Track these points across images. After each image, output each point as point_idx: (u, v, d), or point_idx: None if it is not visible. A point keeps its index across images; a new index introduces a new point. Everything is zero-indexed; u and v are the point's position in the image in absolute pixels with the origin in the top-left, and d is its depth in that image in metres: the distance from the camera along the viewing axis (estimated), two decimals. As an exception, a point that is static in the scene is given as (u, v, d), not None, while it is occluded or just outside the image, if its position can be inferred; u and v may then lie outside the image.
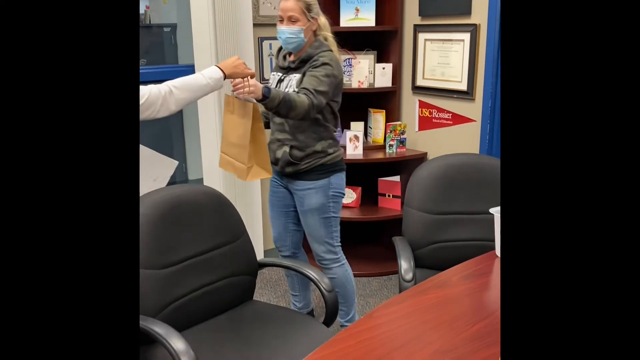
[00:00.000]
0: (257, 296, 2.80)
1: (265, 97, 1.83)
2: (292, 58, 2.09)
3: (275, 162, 2.14)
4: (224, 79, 1.83)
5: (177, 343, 1.34)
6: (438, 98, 2.93)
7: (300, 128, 2.06)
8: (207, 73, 1.79)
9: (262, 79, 2.96)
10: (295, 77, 2.04)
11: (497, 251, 1.69)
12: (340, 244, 2.24)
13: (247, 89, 1.80)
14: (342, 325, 2.35)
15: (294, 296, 2.47)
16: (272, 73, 2.20)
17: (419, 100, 3.03)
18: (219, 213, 1.77)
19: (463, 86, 2.77)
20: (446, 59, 2.83)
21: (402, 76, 3.11)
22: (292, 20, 1.97)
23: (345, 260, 2.27)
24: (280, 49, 2.17)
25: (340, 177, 2.15)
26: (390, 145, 3.00)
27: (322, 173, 2.10)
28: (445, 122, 2.92)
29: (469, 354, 1.14)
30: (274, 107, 1.86)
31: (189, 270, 1.66)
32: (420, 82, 2.99)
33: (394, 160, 2.96)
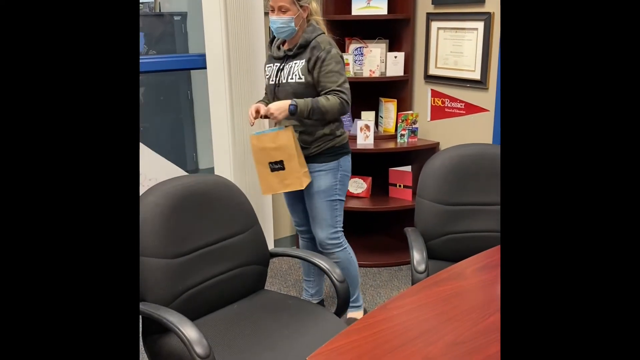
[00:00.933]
0: (267, 286, 2.80)
1: (293, 114, 2.00)
2: (286, 47, 2.14)
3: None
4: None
5: (190, 332, 1.34)
6: (451, 87, 2.90)
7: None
8: None
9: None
10: (296, 63, 2.07)
11: (512, 243, 1.67)
12: (342, 229, 2.27)
13: (277, 115, 2.00)
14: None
15: (307, 282, 2.49)
16: (267, 65, 2.21)
17: (431, 89, 3.00)
18: (231, 203, 1.77)
19: (476, 75, 2.73)
20: (459, 47, 2.79)
21: (414, 65, 3.07)
22: (282, 10, 2.03)
23: (347, 244, 2.30)
24: (272, 40, 2.21)
25: (348, 159, 2.21)
26: (402, 135, 2.97)
27: (331, 155, 2.15)
28: (458, 111, 2.89)
29: (483, 346, 1.13)
30: (305, 117, 2.03)
31: (201, 259, 1.66)
32: (432, 71, 2.96)
33: (405, 150, 2.94)
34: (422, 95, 3.07)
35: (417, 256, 1.83)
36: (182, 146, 4.47)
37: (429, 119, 3.05)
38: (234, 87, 2.69)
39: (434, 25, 2.89)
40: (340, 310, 1.74)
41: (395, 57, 2.99)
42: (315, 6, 2.13)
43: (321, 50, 2.02)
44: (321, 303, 2.54)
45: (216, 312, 1.69)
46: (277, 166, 2.09)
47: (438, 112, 3.00)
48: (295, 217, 2.39)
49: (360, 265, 2.73)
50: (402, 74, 3.03)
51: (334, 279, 1.72)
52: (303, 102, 2.00)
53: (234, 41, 2.63)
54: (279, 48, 2.16)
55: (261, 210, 2.96)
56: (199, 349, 1.31)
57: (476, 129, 2.81)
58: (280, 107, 2.01)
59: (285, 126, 2.06)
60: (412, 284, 1.49)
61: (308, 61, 2.04)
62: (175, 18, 4.32)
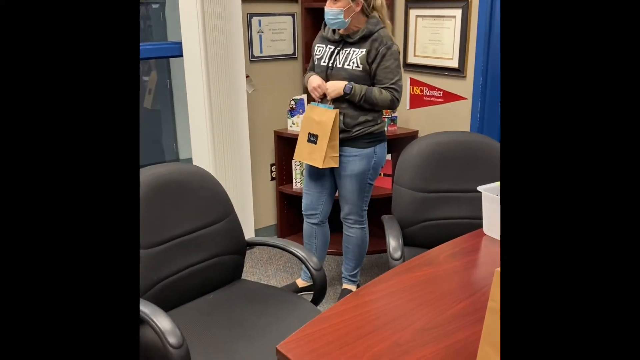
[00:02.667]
0: (247, 275, 2.80)
1: (347, 94, 2.16)
2: (342, 32, 2.21)
3: None
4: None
5: (163, 322, 1.34)
6: (429, 75, 2.90)
7: (359, 104, 2.20)
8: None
9: (252, 57, 2.91)
10: (355, 51, 2.17)
11: (485, 229, 1.69)
12: (367, 208, 2.40)
13: (330, 92, 2.17)
14: (343, 277, 2.53)
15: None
16: (318, 45, 2.29)
17: (410, 77, 3.00)
18: (206, 192, 1.76)
19: (454, 63, 2.74)
20: (438, 35, 2.79)
21: (393, 53, 3.06)
22: (334, 0, 2.12)
23: (367, 224, 2.44)
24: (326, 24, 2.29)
25: (384, 147, 2.32)
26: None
27: (369, 142, 2.25)
28: (436, 100, 2.90)
29: (453, 331, 1.15)
30: (356, 101, 2.17)
31: (176, 249, 1.65)
32: (411, 59, 2.96)
33: (385, 138, 2.94)
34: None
35: (393, 243, 1.84)
36: (160, 136, 4.42)
37: (408, 107, 3.05)
38: (211, 75, 2.66)
39: (413, 13, 2.89)
40: (318, 299, 1.74)
41: (374, 45, 2.98)
42: (379, 2, 2.20)
43: (383, 45, 2.12)
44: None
45: (192, 302, 1.68)
46: (312, 139, 2.25)
47: (417, 101, 3.00)
48: (307, 199, 2.45)
49: (341, 254, 2.74)
50: (381, 62, 3.02)
51: (310, 267, 1.72)
52: (359, 87, 2.15)
53: (210, 28, 2.60)
54: (334, 32, 2.23)
55: (241, 200, 2.94)
56: (172, 339, 1.31)
57: (454, 117, 2.82)
58: (336, 87, 2.17)
59: (334, 108, 2.19)
60: (388, 270, 1.50)
61: (368, 52, 2.13)
62: (154, 6, 4.25)
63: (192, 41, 2.62)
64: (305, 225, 2.50)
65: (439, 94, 2.87)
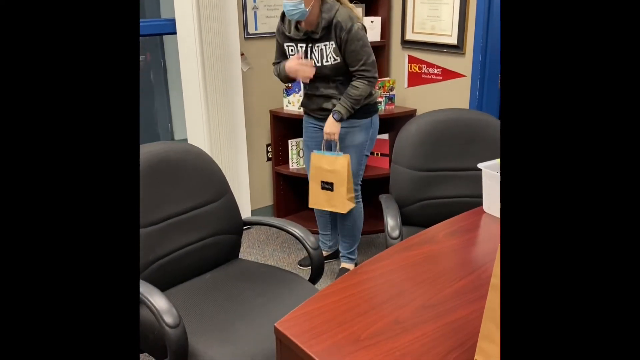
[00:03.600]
0: (244, 256, 2.79)
1: (341, 120, 2.20)
2: (304, 26, 2.17)
3: (319, 109, 2.29)
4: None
5: (160, 301, 1.32)
6: (428, 53, 2.86)
7: (347, 83, 2.20)
8: None
9: (246, 34, 2.86)
10: (326, 45, 2.14)
11: (485, 207, 1.67)
12: (361, 183, 2.44)
13: (335, 133, 2.21)
14: (341, 256, 2.57)
15: (324, 235, 2.65)
16: (288, 45, 2.25)
17: (408, 55, 2.96)
18: (202, 171, 1.73)
19: (453, 40, 2.69)
20: (436, 12, 2.74)
21: (391, 30, 3.01)
22: None
23: (361, 199, 2.48)
24: (283, 15, 2.23)
25: (377, 117, 2.35)
26: (379, 102, 2.94)
27: (366, 113, 2.27)
28: (435, 77, 2.86)
29: (453, 308, 1.13)
30: (351, 113, 2.20)
31: (172, 229, 1.63)
32: (409, 36, 2.91)
33: (383, 117, 2.91)
34: (399, 61, 3.03)
35: (391, 222, 1.82)
36: (153, 116, 4.37)
37: (406, 85, 3.01)
38: (205, 53, 2.61)
39: (411, -12, 2.83)
40: (315, 277, 1.73)
41: (372, 21, 2.93)
42: None
43: (343, 31, 2.09)
44: (336, 253, 2.72)
45: (188, 281, 1.67)
46: (328, 186, 2.30)
47: (415, 79, 2.96)
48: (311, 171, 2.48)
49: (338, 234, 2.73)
50: (379, 39, 2.97)
51: (307, 246, 1.71)
52: (342, 107, 2.18)
53: (204, 4, 2.54)
54: (297, 28, 2.20)
55: (237, 180, 2.92)
56: (169, 319, 1.29)
57: (453, 95, 2.79)
58: (332, 128, 2.21)
59: (342, 154, 2.25)
60: (387, 249, 1.48)
61: (337, 43, 2.12)
62: (146, -17, 4.16)
63: (185, 18, 2.56)
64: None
65: (438, 71, 2.83)
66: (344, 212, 2.29)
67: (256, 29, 2.90)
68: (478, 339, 0.89)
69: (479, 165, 1.64)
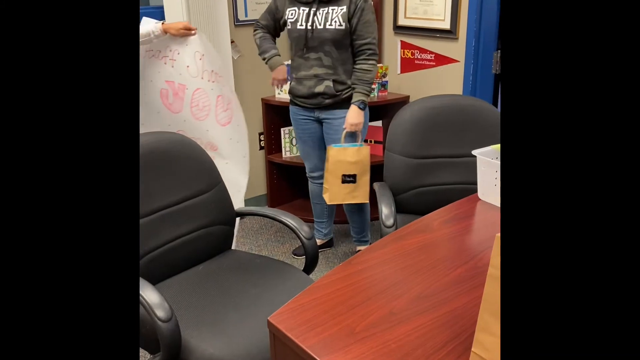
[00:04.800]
0: (238, 246, 2.77)
1: (365, 107, 2.19)
2: None
3: (311, 96, 2.25)
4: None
5: (151, 295, 1.30)
6: (420, 38, 2.82)
7: (341, 60, 2.18)
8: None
9: (236, 21, 2.81)
10: (334, 9, 2.11)
11: (480, 194, 1.65)
12: None
13: (358, 125, 2.19)
14: (354, 240, 2.59)
15: (320, 223, 2.64)
16: (290, 9, 2.19)
17: (400, 40, 2.92)
18: (193, 162, 1.70)
19: (446, 25, 2.65)
20: (429, -4, 2.70)
21: (383, 15, 2.97)
22: None
23: None
24: None
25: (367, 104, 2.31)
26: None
27: None
28: (428, 63, 2.83)
29: (450, 298, 1.12)
30: (370, 96, 2.21)
31: (163, 221, 1.60)
32: (402, 21, 2.87)
33: (376, 104, 2.88)
34: (392, 47, 2.99)
35: (386, 210, 1.80)
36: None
37: (399, 71, 2.98)
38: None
39: (403, -28, 2.78)
40: (309, 267, 1.71)
41: (364, 7, 2.88)
42: None
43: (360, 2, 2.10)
44: (330, 241, 2.74)
45: (180, 274, 1.64)
46: (350, 179, 2.26)
47: (408, 65, 2.93)
48: (309, 163, 2.48)
49: (333, 222, 2.72)
50: (371, 25, 2.92)
51: (301, 236, 1.68)
52: (362, 94, 2.16)
53: (192, -8, 2.48)
54: None
55: (230, 169, 2.88)
56: (160, 313, 1.27)
57: (447, 80, 2.76)
58: (358, 118, 2.18)
59: (362, 144, 2.23)
60: (381, 238, 1.46)
61: (349, 8, 2.08)
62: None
63: (174, 5, 2.50)
64: (312, 186, 2.54)
65: (431, 57, 2.80)
66: (367, 201, 2.29)
67: (246, 15, 2.85)
68: (475, 330, 0.88)
69: (474, 152, 1.61)
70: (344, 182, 2.27)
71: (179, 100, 2.07)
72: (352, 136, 2.26)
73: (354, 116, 2.18)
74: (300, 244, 2.69)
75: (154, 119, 2.16)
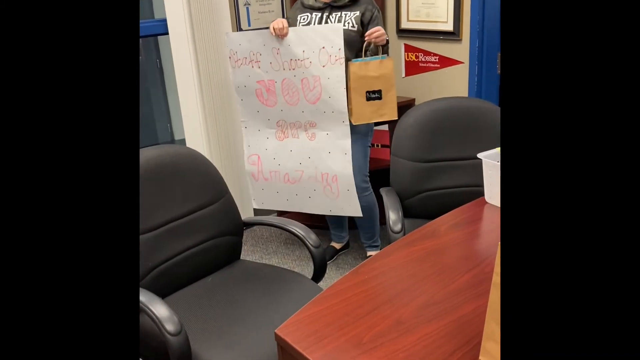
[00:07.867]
0: (248, 255, 2.78)
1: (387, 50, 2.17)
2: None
3: None
4: None
5: (160, 309, 1.30)
6: (424, 41, 2.81)
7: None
8: None
9: (239, 30, 2.82)
10: (348, 14, 2.15)
11: (487, 197, 1.64)
12: (368, 173, 2.41)
13: (382, 35, 2.09)
14: (366, 246, 2.58)
15: (337, 228, 2.65)
16: (302, 15, 2.23)
17: (404, 44, 2.91)
18: (199, 173, 1.71)
19: (449, 27, 2.64)
20: (431, -2, 2.69)
21: (386, 19, 2.97)
22: None
23: (371, 189, 2.45)
24: None
25: None
26: (377, 93, 2.90)
27: None
28: (432, 65, 2.82)
29: (457, 305, 1.11)
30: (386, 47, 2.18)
31: (170, 234, 1.61)
32: (405, 24, 2.86)
33: (381, 108, 2.87)
34: (396, 50, 2.98)
35: (393, 216, 1.79)
36: (151, 116, 4.34)
37: (403, 75, 2.97)
38: (199, 52, 2.57)
39: (404, -25, 2.78)
40: (318, 276, 1.71)
41: (366, 12, 2.88)
42: None
43: (374, 8, 2.15)
44: (347, 244, 2.74)
45: (189, 286, 1.65)
46: (375, 95, 2.15)
47: (412, 68, 2.92)
48: None
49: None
50: (373, 29, 2.92)
51: (309, 245, 1.68)
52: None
53: (195, 2, 2.50)
54: None
55: (238, 180, 2.89)
56: (170, 327, 1.28)
57: (451, 82, 2.75)
58: (379, 31, 2.08)
59: (386, 56, 2.13)
60: (389, 244, 1.46)
61: (363, 14, 2.14)
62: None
63: (176, 16, 2.52)
64: None
65: (435, 59, 2.79)
66: (395, 117, 2.16)
67: (249, 24, 2.86)
68: (482, 339, 0.87)
69: (479, 155, 1.60)
70: (368, 99, 2.14)
71: (271, 94, 2.32)
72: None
73: (375, 29, 2.08)
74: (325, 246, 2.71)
75: (255, 118, 2.42)
